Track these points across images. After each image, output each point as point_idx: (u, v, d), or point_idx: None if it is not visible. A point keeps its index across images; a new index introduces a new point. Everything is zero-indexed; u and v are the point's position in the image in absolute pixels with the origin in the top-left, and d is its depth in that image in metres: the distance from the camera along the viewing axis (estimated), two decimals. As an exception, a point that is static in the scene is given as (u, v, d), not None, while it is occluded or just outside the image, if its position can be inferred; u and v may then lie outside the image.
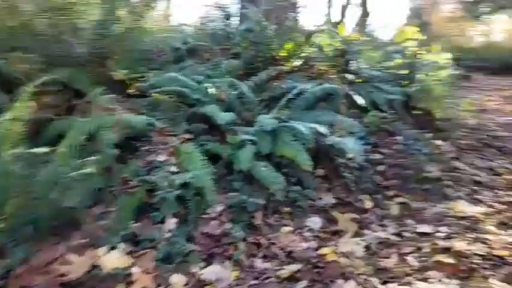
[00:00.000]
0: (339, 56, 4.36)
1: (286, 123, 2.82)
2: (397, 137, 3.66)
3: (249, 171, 2.58)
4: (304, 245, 2.29)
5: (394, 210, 2.77)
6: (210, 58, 4.34)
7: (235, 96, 3.17)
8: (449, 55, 6.13)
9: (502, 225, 2.59)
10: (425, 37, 7.28)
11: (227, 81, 3.15)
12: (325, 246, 2.29)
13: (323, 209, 2.67)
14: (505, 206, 2.87)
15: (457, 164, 3.63)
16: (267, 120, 2.71)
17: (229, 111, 2.99)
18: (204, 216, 2.47)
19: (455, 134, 4.35)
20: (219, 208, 2.49)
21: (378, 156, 3.35)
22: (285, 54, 4.24)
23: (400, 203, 2.86)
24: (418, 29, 6.22)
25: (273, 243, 2.30)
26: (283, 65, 4.28)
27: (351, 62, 4.18)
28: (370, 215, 2.69)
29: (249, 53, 3.91)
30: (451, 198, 2.99)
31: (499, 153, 4.10)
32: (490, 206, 2.88)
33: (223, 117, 2.66)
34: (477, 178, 3.36)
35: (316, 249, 2.26)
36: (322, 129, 2.70)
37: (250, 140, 2.56)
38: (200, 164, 2.57)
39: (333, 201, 2.77)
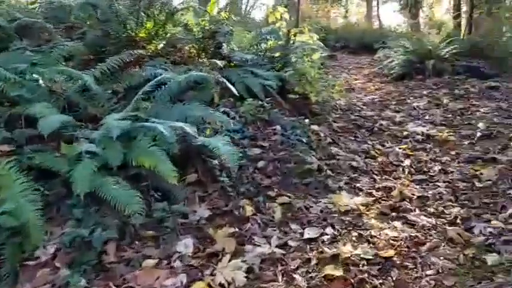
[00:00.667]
0: (208, 38, 3.86)
1: (144, 124, 2.22)
2: (276, 126, 3.37)
3: (94, 192, 1.94)
4: (171, 281, 1.79)
5: (278, 213, 2.45)
6: (51, 39, 3.41)
7: (74, 90, 2.42)
8: (316, 36, 6.15)
9: (383, 216, 2.49)
10: (293, 18, 7.32)
11: (60, 70, 2.37)
12: (199, 279, 1.82)
13: (197, 226, 2.19)
14: (381, 193, 2.81)
15: (335, 149, 3.53)
16: (115, 121, 2.07)
17: (68, 111, 2.26)
18: (29, 262, 1.77)
19: (330, 117, 4.31)
20: (52, 249, 1.81)
21: (257, 150, 3.00)
22: (145, 34, 3.55)
23: (283, 204, 2.56)
24: (286, 10, 6.08)
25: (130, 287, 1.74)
26: (145, 48, 3.60)
27: (222, 44, 3.71)
28: (252, 224, 2.31)
29: (96, 33, 3.13)
30: (333, 190, 2.82)
31: (369, 134, 4.18)
32: (369, 194, 2.79)
33: (50, 123, 1.93)
34: (354, 163, 3.29)
35: (188, 286, 1.78)
36: (189, 129, 2.19)
37: (90, 152, 1.90)
38: (20, 189, 1.83)
39: (209, 213, 2.31)
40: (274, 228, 2.29)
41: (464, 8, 16.65)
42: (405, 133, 4.13)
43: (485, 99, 4.97)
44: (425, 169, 3.25)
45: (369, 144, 3.85)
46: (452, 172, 3.11)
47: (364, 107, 5.17)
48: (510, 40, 7.12)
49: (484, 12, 8.17)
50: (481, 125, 4.04)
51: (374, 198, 2.73)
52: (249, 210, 2.41)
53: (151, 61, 3.31)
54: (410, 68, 6.69)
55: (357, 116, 4.67)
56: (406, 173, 3.20)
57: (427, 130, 4.13)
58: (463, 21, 12.66)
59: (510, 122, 4.00)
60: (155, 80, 2.51)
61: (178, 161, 2.40)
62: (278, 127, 3.34)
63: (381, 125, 4.36)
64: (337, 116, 4.56)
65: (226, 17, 3.92)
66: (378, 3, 19.46)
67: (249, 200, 2.51)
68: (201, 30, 3.86)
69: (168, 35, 3.63)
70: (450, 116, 4.54)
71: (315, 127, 3.87)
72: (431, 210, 2.53)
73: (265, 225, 2.34)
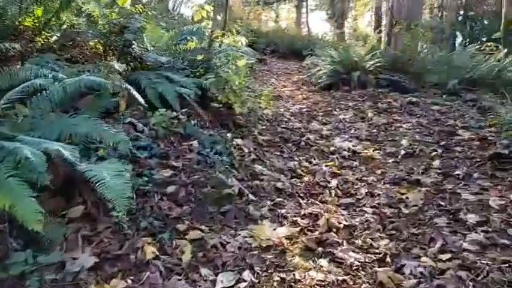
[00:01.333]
0: (116, 34, 3.28)
1: (3, 144, 1.65)
2: (193, 142, 2.93)
3: None
4: None
5: (187, 254, 2.02)
6: None
7: None
8: (245, 39, 5.82)
9: (308, 251, 2.19)
10: (222, 18, 6.92)
11: None
12: None
13: (73, 283, 1.67)
14: (307, 221, 2.52)
15: (259, 167, 3.19)
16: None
17: None
18: None
19: (255, 129, 3.98)
20: None
21: (167, 172, 2.53)
22: (32, 24, 2.88)
23: (195, 241, 2.13)
24: (213, 8, 5.67)
25: None
26: (32, 40, 2.93)
27: (132, 42, 3.17)
28: (152, 272, 1.85)
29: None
30: (255, 219, 2.47)
31: (296, 148, 3.93)
32: (294, 223, 2.48)
33: None
34: (279, 185, 2.98)
35: None
36: (68, 152, 1.66)
37: None
38: None
39: (94, 260, 1.80)
40: (180, 277, 1.86)
41: (384, 21, 17.74)
42: (332, 148, 3.95)
43: (406, 114, 5.04)
44: (352, 191, 3.05)
45: (295, 160, 3.59)
46: (378, 195, 2.94)
47: (291, 118, 4.94)
48: (426, 57, 7.47)
49: (403, 28, 8.53)
50: (404, 142, 4.00)
51: (299, 228, 2.43)
52: (150, 252, 1.95)
53: (38, 58, 2.66)
54: (337, 79, 6.67)
55: (284, 128, 4.41)
56: (333, 195, 2.97)
57: (353, 146, 4.00)
58: (383, 35, 13.39)
59: (430, 140, 4.02)
60: (25, 84, 1.92)
61: (60, 189, 1.87)
62: (195, 143, 2.91)
63: (308, 138, 4.14)
64: (264, 127, 4.25)
65: (140, 10, 3.37)
66: (307, 11, 19.87)
67: (152, 238, 2.05)
68: (107, 23, 3.27)
69: (65, 26, 2.99)
70: (375, 131, 4.48)
71: (238, 141, 3.51)
72: (359, 242, 2.29)
73: (169, 271, 1.90)
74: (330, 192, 3.01)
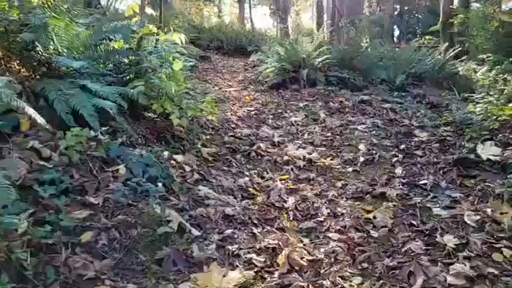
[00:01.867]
0: (15, 32, 2.60)
1: None
2: (119, 167, 2.35)
3: None
4: None
5: (106, 333, 1.48)
6: None
7: None
8: (184, 37, 5.27)
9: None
10: (158, 13, 6.26)
11: None
12: None
13: None
14: (264, 258, 2.08)
15: (204, 190, 2.69)
16: None
17: None
18: None
19: (199, 141, 3.46)
20: None
21: (82, 213, 1.95)
22: None
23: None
24: (144, 1, 5.09)
25: None
26: None
27: (35, 43, 2.51)
28: None
29: None
30: (199, 263, 1.97)
31: (246, 160, 3.47)
32: (248, 264, 2.03)
33: None
34: (228, 210, 2.50)
35: None
36: None
37: None
38: None
39: None
40: None
41: (325, 16, 17.83)
42: (286, 158, 3.54)
43: (360, 114, 4.78)
44: (312, 211, 2.65)
45: (246, 176, 3.14)
46: (342, 215, 2.58)
47: (239, 123, 4.47)
48: (372, 52, 7.36)
49: (347, 23, 8.41)
50: (361, 147, 3.70)
51: (255, 270, 1.98)
52: None
53: None
54: (285, 77, 6.30)
55: (232, 136, 3.93)
56: (291, 218, 2.56)
57: (309, 154, 3.62)
58: (325, 29, 13.35)
59: (389, 143, 3.76)
60: None
61: None
62: (122, 168, 2.33)
63: (259, 147, 3.69)
64: (208, 137, 3.73)
65: (45, 2, 2.70)
66: (249, 6, 19.49)
67: (55, 318, 1.48)
68: (3, 20, 2.57)
69: None
70: (329, 134, 4.15)
71: (178, 158, 2.97)
72: (328, 284, 1.89)
73: None
74: (288, 215, 2.59)
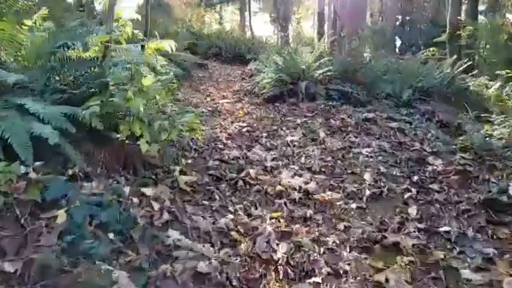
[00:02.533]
0: None
1: None
2: (58, 213, 1.79)
3: None
4: None
5: None
6: None
7: None
8: (174, 44, 4.78)
9: None
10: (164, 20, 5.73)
11: None
12: None
13: None
14: None
15: (174, 235, 2.14)
16: None
17: None
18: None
19: (176, 167, 2.91)
20: None
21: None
22: None
23: None
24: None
25: None
26: None
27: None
28: None
29: None
30: None
31: (232, 192, 2.92)
32: None
33: None
34: (202, 267, 1.95)
35: None
36: None
37: None
38: None
39: None
40: None
41: (326, 26, 17.35)
42: (279, 188, 2.99)
43: (364, 134, 4.23)
44: (308, 266, 2.09)
45: (230, 213, 2.58)
46: (346, 274, 2.02)
47: (228, 142, 3.93)
48: (377, 63, 6.84)
49: (350, 33, 7.91)
50: (367, 176, 3.15)
51: None
52: None
53: None
54: (282, 89, 5.77)
55: (218, 160, 3.38)
56: (281, 278, 2.00)
57: (306, 183, 3.07)
58: (326, 38, 12.83)
59: (398, 173, 3.21)
60: None
61: None
62: (61, 214, 1.78)
63: (248, 174, 3.14)
64: (189, 161, 3.19)
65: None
66: (249, 13, 19.07)
67: None
68: None
69: None
70: (330, 159, 3.60)
71: (147, 191, 2.42)
72: None
73: None
74: (277, 272, 2.04)
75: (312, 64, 5.94)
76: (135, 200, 2.27)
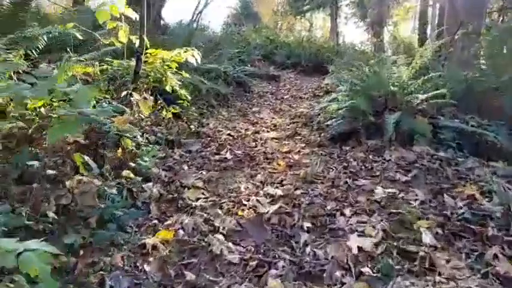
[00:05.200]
0: None
1: None
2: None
3: None
4: None
5: None
6: None
7: None
8: (197, 54, 3.00)
9: None
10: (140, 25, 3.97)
11: None
12: None
13: None
14: None
15: None
16: None
17: None
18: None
19: None
20: None
21: None
22: None
23: None
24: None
25: None
26: None
27: None
28: None
29: None
30: None
31: None
32: None
33: None
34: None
35: None
36: None
37: None
38: None
39: None
40: None
41: (429, 29, 14.02)
42: None
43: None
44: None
45: None
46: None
47: (239, 249, 1.89)
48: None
49: (474, 30, 5.20)
50: None
51: None
52: None
53: None
54: (358, 123, 3.50)
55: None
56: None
57: None
58: (430, 45, 9.76)
59: None
60: None
61: None
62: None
63: None
64: None
65: None
66: (336, 18, 16.64)
67: None
68: None
69: None
70: None
71: None
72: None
73: None
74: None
75: (408, 83, 3.54)
76: None
